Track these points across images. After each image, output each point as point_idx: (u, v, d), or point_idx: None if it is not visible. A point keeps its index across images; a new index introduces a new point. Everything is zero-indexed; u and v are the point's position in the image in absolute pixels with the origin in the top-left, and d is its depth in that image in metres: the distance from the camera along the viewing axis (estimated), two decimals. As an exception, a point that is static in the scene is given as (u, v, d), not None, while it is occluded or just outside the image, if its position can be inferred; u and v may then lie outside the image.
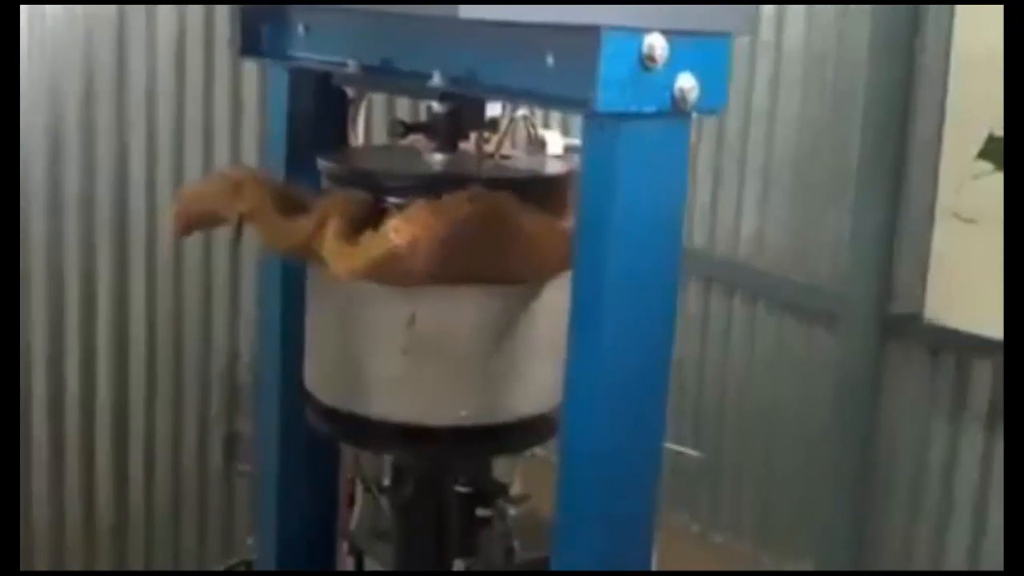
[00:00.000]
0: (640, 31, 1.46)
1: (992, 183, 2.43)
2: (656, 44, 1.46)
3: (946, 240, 2.53)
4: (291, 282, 2.04)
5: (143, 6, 3.28)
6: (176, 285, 3.50)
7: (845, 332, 2.77)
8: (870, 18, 2.67)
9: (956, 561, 2.82)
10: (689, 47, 1.50)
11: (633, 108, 1.48)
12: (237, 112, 3.49)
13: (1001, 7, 2.30)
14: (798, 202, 3.04)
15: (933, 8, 2.54)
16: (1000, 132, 2.37)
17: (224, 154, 3.46)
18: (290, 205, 1.84)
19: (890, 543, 2.90)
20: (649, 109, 1.49)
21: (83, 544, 3.42)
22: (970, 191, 2.48)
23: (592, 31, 1.43)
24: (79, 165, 3.27)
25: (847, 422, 2.77)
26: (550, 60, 1.52)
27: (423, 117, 1.91)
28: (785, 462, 3.08)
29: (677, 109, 1.51)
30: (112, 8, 3.24)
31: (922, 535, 2.85)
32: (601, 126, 1.50)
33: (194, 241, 3.39)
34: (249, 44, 2.00)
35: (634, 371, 1.58)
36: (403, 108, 3.12)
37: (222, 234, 2.69)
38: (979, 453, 2.73)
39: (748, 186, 3.17)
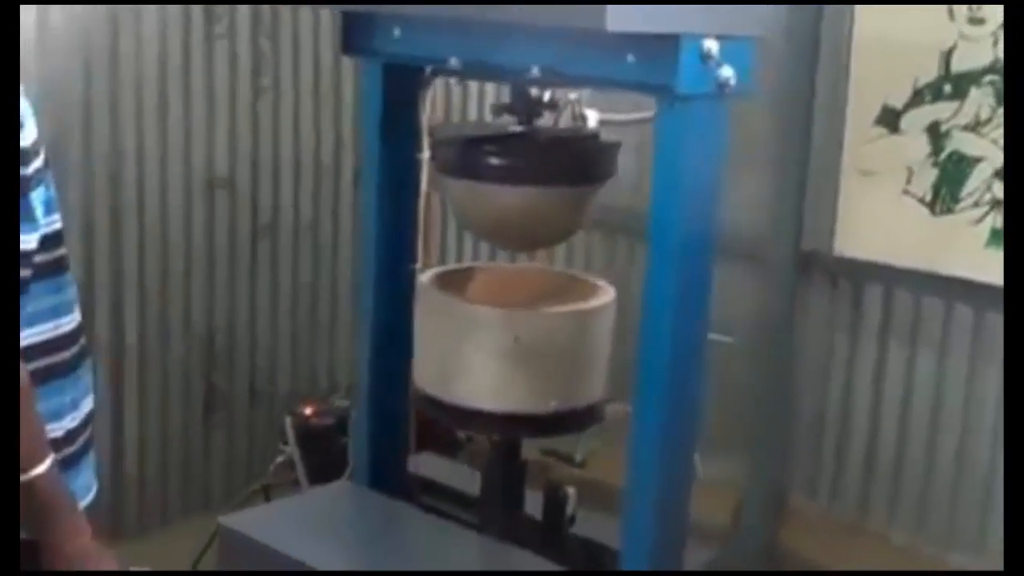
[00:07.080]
0: (701, 36, 2.06)
1: (885, 144, 3.12)
2: (712, 46, 2.06)
3: (849, 190, 3.22)
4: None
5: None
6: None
7: (767, 268, 3.40)
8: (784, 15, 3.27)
9: (856, 454, 3.48)
10: (728, 46, 2.10)
11: (698, 91, 2.08)
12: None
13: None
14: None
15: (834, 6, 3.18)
16: (892, 102, 3.08)
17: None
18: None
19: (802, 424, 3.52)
20: (706, 92, 2.10)
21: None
22: (868, 150, 3.16)
23: (673, 38, 2.02)
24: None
25: (770, 341, 3.41)
26: (631, 57, 2.09)
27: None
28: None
29: (721, 93, 2.12)
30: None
31: (829, 425, 3.51)
32: (675, 105, 2.09)
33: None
34: (349, 44, 2.50)
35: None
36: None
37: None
38: (873, 360, 3.41)
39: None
